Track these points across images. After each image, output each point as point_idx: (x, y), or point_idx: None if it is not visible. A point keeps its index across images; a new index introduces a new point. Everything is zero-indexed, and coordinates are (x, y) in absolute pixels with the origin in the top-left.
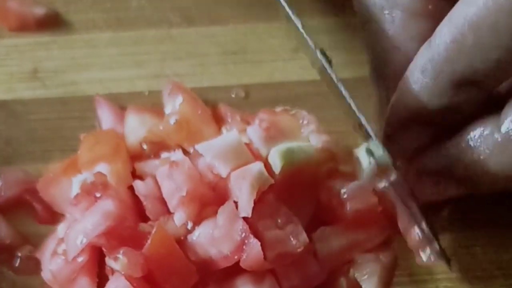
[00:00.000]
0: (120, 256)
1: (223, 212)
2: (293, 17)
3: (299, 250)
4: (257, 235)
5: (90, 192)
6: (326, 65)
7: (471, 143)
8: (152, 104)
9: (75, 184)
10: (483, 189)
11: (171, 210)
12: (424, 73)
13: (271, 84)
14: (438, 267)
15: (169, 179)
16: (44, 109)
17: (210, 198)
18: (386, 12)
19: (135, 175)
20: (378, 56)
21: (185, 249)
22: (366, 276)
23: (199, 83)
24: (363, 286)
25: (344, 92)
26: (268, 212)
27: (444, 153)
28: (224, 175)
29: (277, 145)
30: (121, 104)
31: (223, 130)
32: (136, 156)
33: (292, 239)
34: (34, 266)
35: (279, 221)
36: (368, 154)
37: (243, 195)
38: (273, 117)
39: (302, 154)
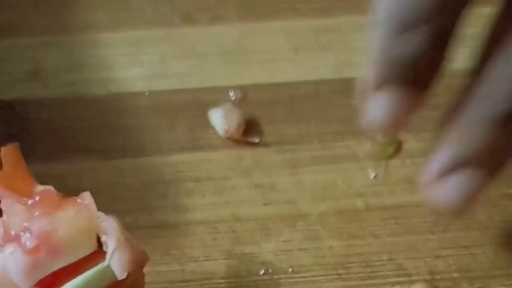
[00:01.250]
0: None
1: None
2: None
3: None
4: None
5: None
6: None
7: None
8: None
9: None
10: None
11: None
12: None
13: (271, 85)
14: (439, 267)
15: None
16: (44, 109)
17: None
18: None
19: None
20: None
21: None
22: None
23: (199, 83)
24: None
25: None
26: None
27: None
28: None
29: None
30: (121, 104)
31: None
32: None
33: None
34: None
35: None
36: None
37: None
38: (50, 225)
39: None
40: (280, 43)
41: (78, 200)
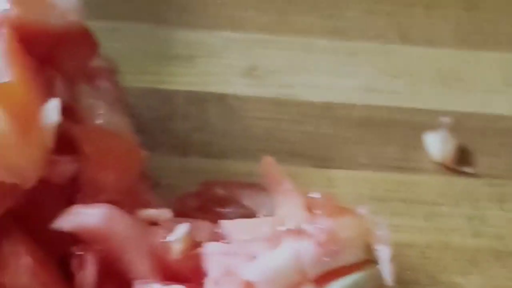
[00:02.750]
0: None
1: None
2: None
3: None
4: None
5: None
6: None
7: None
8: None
9: None
10: None
11: None
12: None
13: (484, 115)
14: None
15: None
16: (258, 107)
17: None
18: None
19: None
20: None
21: None
22: None
23: (412, 103)
24: None
25: None
26: None
27: None
28: None
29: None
30: (333, 113)
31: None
32: None
33: None
34: None
35: None
36: None
37: None
38: (333, 225)
39: None
40: (493, 74)
41: (355, 209)
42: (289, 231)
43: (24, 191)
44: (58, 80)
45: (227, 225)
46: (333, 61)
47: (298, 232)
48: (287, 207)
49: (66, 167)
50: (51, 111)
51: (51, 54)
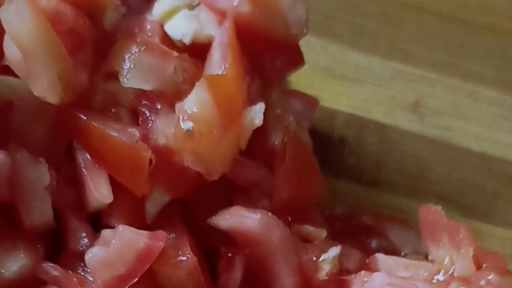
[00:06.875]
0: None
1: None
2: None
3: None
4: None
5: None
6: None
7: None
8: None
9: None
10: None
11: None
12: None
13: None
14: None
15: None
16: (416, 144)
17: None
18: None
19: None
20: None
21: None
22: None
23: None
24: None
25: None
26: None
27: None
28: None
29: None
30: (489, 166)
31: None
32: None
33: None
34: None
35: None
36: None
37: None
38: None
39: None
40: None
41: None
42: (457, 278)
43: (201, 182)
44: (256, 83)
45: (383, 260)
46: (497, 113)
47: (465, 280)
48: (455, 255)
49: (250, 171)
50: (256, 114)
51: (259, 58)
